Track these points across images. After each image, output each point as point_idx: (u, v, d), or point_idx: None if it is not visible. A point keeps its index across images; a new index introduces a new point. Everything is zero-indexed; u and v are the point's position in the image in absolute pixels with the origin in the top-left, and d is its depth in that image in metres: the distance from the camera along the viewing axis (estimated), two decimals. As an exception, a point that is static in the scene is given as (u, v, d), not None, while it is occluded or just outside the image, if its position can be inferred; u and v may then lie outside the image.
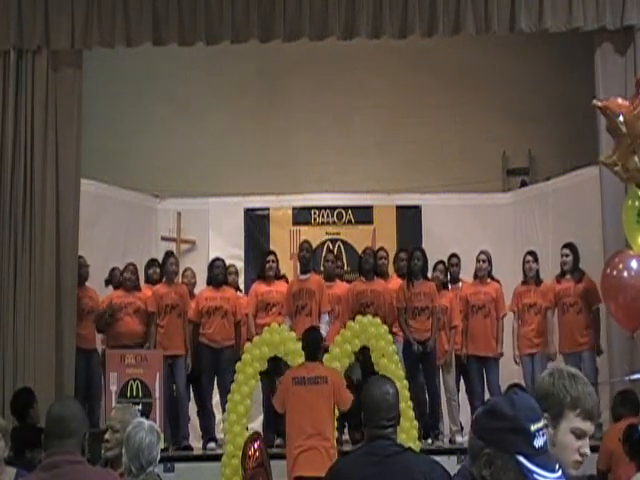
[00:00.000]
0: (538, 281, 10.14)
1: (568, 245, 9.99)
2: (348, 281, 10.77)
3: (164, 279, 10.21)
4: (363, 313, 9.40)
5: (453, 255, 10.68)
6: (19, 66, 9.59)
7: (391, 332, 9.70)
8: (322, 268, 11.02)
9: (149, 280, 10.40)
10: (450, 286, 10.54)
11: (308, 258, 10.27)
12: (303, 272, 10.17)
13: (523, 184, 12.89)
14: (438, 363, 10.05)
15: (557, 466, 2.41)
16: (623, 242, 9.05)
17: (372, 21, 9.49)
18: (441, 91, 12.89)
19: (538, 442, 2.39)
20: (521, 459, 2.37)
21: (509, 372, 10.30)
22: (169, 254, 10.54)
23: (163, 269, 10.27)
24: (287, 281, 10.39)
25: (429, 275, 10.11)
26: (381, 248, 10.81)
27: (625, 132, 8.23)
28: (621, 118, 8.23)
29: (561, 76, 12.55)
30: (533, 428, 2.40)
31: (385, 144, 12.96)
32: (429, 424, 9.74)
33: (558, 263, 10.23)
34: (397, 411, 4.09)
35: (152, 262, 10.57)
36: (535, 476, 2.36)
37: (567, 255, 9.94)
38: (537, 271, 10.16)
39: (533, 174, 12.97)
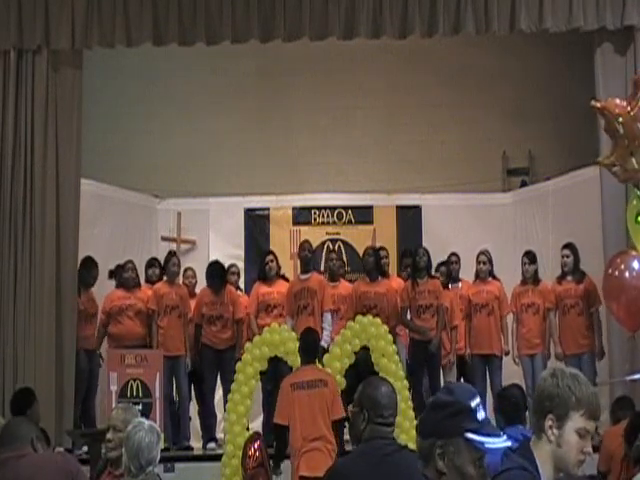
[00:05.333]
0: (536, 281, 10.13)
1: (568, 245, 9.93)
2: (350, 281, 10.76)
3: (165, 279, 10.22)
4: (366, 315, 9.41)
5: (453, 254, 10.70)
6: (19, 66, 9.60)
7: (394, 333, 9.71)
8: (324, 268, 10.99)
9: (149, 280, 10.40)
10: (450, 285, 10.54)
11: (309, 258, 10.28)
12: (304, 272, 10.16)
13: (523, 184, 12.89)
14: (442, 363, 10.05)
15: (501, 432, 2.61)
16: (623, 242, 9.06)
17: (372, 21, 9.50)
18: (441, 91, 12.88)
19: (480, 415, 2.59)
20: (470, 436, 2.55)
21: (509, 372, 10.31)
22: (171, 254, 10.55)
23: (165, 269, 10.28)
24: (287, 281, 10.40)
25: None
26: (382, 247, 10.82)
27: (622, 133, 8.23)
28: (620, 119, 8.23)
29: (561, 76, 12.55)
30: (473, 404, 2.58)
31: (385, 144, 12.96)
32: None
33: (558, 263, 10.23)
34: (395, 410, 4.09)
35: (152, 262, 10.57)
36: (486, 445, 2.54)
37: (567, 256, 9.88)
38: (535, 272, 10.15)
39: (533, 174, 12.97)
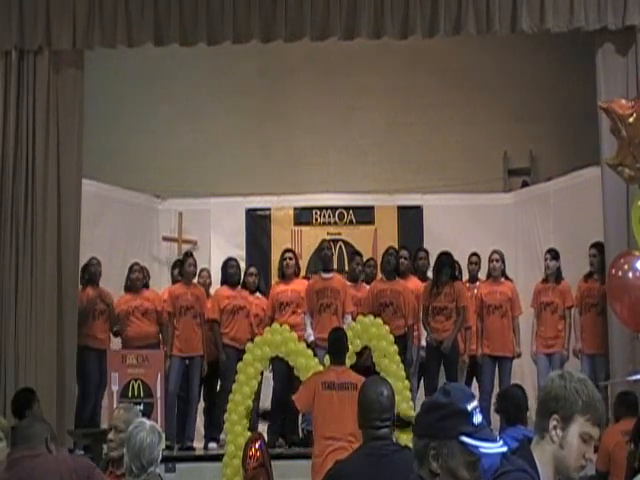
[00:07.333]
0: (558, 279, 10.08)
1: (596, 245, 9.82)
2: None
3: (182, 279, 10.26)
4: (382, 313, 9.44)
5: (473, 254, 10.65)
6: (20, 66, 9.59)
7: (413, 331, 9.89)
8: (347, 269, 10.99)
9: (175, 281, 10.46)
10: (468, 285, 10.53)
11: (329, 257, 10.35)
12: (325, 271, 10.17)
13: (524, 184, 12.89)
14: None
15: (498, 437, 2.58)
16: (625, 242, 9.05)
17: (373, 21, 9.50)
18: (442, 91, 12.88)
19: (477, 419, 2.55)
20: (464, 439, 2.52)
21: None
22: (188, 254, 10.62)
23: (181, 269, 10.32)
24: (307, 279, 10.42)
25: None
26: (403, 247, 10.82)
27: (625, 135, 8.23)
28: (630, 120, 8.21)
29: (562, 76, 12.54)
30: (470, 407, 2.55)
31: (386, 144, 12.97)
32: None
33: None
34: (392, 412, 4.08)
35: (177, 263, 10.64)
36: (481, 450, 2.52)
37: (594, 255, 9.79)
38: (558, 269, 10.09)
39: (534, 174, 12.96)
